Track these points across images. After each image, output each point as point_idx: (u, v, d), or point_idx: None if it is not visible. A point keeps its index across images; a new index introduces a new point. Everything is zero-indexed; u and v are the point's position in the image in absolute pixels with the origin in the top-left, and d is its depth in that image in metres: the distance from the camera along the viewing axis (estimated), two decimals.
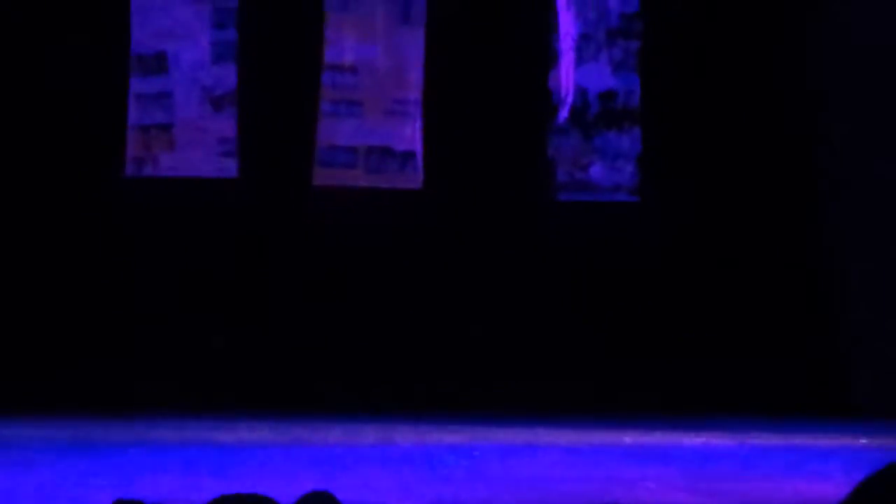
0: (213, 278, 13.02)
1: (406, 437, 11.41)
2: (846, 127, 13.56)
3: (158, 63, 13.48)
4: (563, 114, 14.22)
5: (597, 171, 14.20)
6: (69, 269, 12.91)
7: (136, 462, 9.80)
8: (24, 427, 11.33)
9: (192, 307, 12.78)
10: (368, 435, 11.42)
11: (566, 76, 14.27)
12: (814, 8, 13.69)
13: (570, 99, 14.25)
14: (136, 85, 13.42)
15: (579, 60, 14.17)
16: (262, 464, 9.71)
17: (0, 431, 10.98)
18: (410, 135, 13.85)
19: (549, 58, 14.13)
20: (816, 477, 8.82)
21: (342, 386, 12.82)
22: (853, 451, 10.19)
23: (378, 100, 13.89)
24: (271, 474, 8.96)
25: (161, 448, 10.48)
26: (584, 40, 14.22)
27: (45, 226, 12.82)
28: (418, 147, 13.84)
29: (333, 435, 11.41)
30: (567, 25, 14.19)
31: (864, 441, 10.83)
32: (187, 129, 13.54)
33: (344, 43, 13.84)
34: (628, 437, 11.42)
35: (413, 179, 13.85)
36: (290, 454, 10.36)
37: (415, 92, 13.85)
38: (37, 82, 12.88)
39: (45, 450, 10.21)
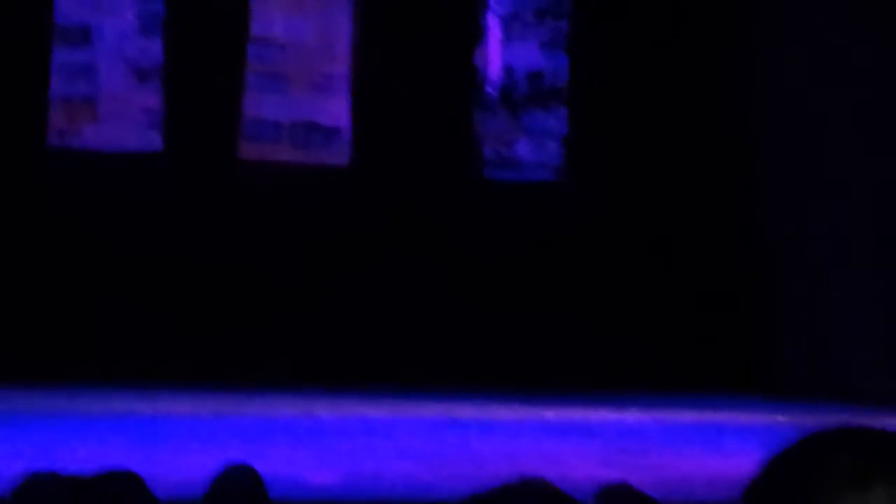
0: (137, 252, 12.89)
1: (326, 409, 11.43)
2: (776, 106, 13.72)
3: (83, 34, 13.44)
4: (491, 91, 14.29)
5: (524, 149, 14.34)
6: None
7: (55, 433, 9.73)
8: None
9: (115, 281, 12.71)
10: (289, 407, 11.43)
11: (494, 54, 14.32)
12: None
13: (497, 77, 14.32)
14: (60, 56, 13.33)
15: (507, 39, 14.30)
16: (181, 435, 9.72)
17: None
18: (337, 110, 13.87)
19: (478, 35, 14.16)
20: (733, 453, 8.94)
21: (264, 359, 12.86)
22: (770, 428, 10.30)
23: (304, 74, 13.91)
24: (192, 446, 8.93)
25: (81, 419, 10.39)
26: (512, 19, 14.24)
27: None
28: (345, 123, 13.86)
29: (254, 407, 11.42)
30: (495, 3, 14.23)
31: (780, 418, 10.95)
32: (111, 102, 13.53)
33: (271, 16, 13.87)
34: (550, 413, 11.50)
35: (339, 155, 13.87)
36: (211, 426, 10.35)
37: (342, 67, 13.87)
38: None
39: None
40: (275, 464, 5.97)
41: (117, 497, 3.82)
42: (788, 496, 1.55)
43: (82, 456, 8.00)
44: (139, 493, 3.83)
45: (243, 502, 4.31)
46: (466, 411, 11.54)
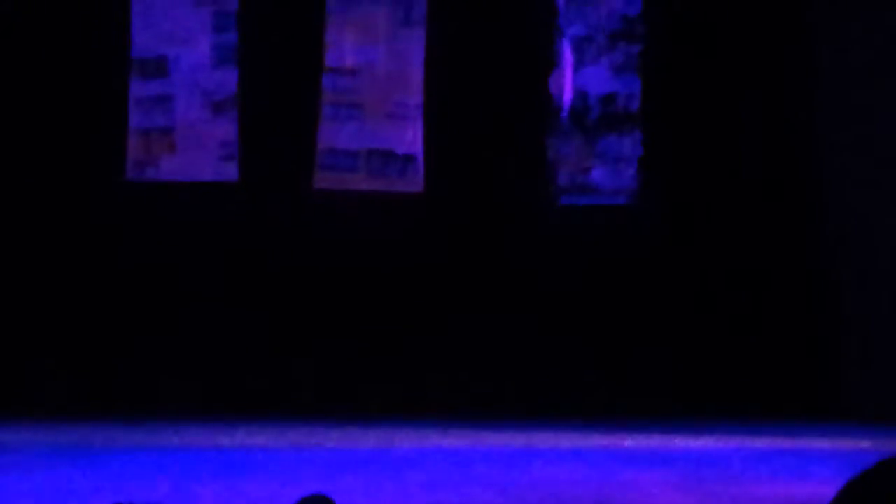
0: (214, 283, 13.06)
1: (405, 441, 11.62)
2: (844, 134, 13.76)
3: (159, 67, 13.60)
4: (564, 117, 14.33)
5: (599, 175, 14.28)
6: (71, 273, 12.98)
7: (136, 465, 9.95)
8: (24, 431, 11.57)
9: (194, 311, 12.92)
10: (369, 439, 11.63)
11: (566, 79, 14.36)
12: (815, 14, 13.84)
13: (570, 102, 14.36)
14: (137, 88, 13.58)
15: (580, 63, 14.29)
16: (260, 467, 9.93)
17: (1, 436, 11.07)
18: (412, 138, 13.98)
19: (551, 61, 14.23)
20: (813, 479, 8.98)
21: (342, 390, 13.00)
22: (847, 453, 10.35)
23: (379, 103, 14.01)
24: (270, 478, 9.10)
25: (161, 451, 10.63)
26: (584, 43, 14.27)
27: (47, 229, 13.03)
28: (419, 150, 13.98)
29: (332, 439, 11.64)
30: (567, 28, 14.28)
31: (863, 444, 10.95)
32: (188, 133, 13.72)
33: (344, 45, 13.96)
34: (628, 441, 11.65)
35: (414, 183, 13.98)
36: (289, 458, 10.53)
37: (416, 95, 13.98)
38: (38, 85, 13.08)
39: (45, 454, 10.38)
40: (353, 496, 6.13)
41: None
42: None
43: (164, 489, 8.23)
44: None
45: None
46: (545, 440, 11.72)
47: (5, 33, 12.95)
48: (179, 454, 10.56)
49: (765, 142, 13.86)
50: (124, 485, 8.82)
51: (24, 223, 12.85)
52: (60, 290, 12.95)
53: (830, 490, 1.71)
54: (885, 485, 1.57)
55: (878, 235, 13.06)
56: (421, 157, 13.95)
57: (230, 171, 13.69)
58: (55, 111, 13.07)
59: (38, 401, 12.43)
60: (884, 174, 13.28)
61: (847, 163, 13.77)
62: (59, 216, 13.03)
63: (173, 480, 9.10)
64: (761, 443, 11.65)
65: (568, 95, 14.20)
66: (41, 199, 12.98)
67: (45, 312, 12.86)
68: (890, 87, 13.29)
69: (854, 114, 13.58)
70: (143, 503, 3.97)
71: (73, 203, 13.02)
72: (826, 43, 13.87)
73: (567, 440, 11.73)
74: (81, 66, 13.14)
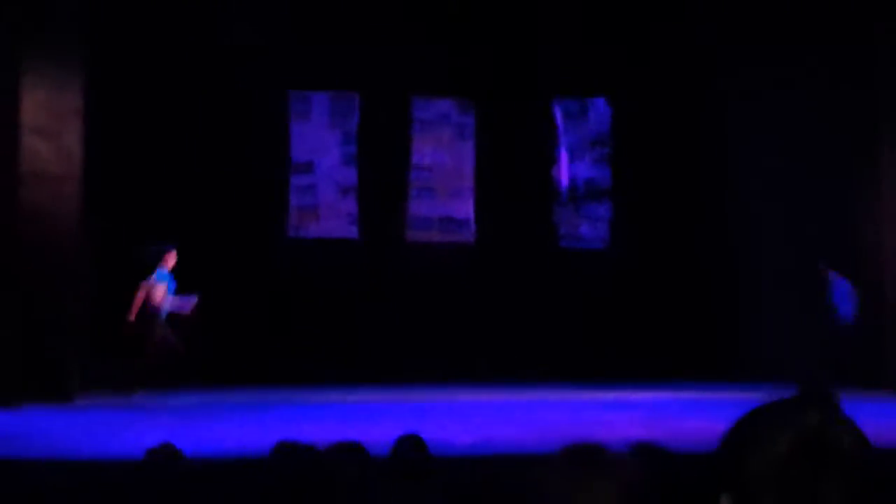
0: (345, 304, 13.96)
1: (466, 396, 11.45)
2: (746, 187, 14.37)
3: (308, 167, 14.54)
4: (562, 193, 14.75)
5: (585, 229, 15.17)
6: (258, 287, 13.45)
7: (291, 415, 9.39)
8: (228, 393, 11.72)
9: (333, 323, 13.68)
10: (443, 396, 11.54)
11: (563, 169, 15.23)
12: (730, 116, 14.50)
13: (566, 183, 14.72)
14: (295, 180, 14.52)
15: (572, 159, 15.22)
16: (369, 417, 9.30)
17: (208, 397, 11.26)
18: (466, 209, 14.87)
19: (553, 158, 15.20)
20: (720, 418, 7.75)
21: (422, 363, 13.47)
22: (743, 400, 9.84)
23: (445, 186, 14.88)
24: (375, 425, 8.33)
25: (313, 407, 10.22)
26: (575, 147, 15.07)
27: (237, 274, 13.38)
28: (471, 216, 14.81)
29: (416, 395, 11.48)
30: (563, 136, 14.65)
31: (750, 394, 10.60)
32: (327, 208, 14.50)
33: (424, 151, 14.96)
34: (607, 394, 12.00)
35: (468, 237, 14.85)
36: (391, 409, 9.90)
37: (468, 181, 14.99)
38: (239, 178, 13.82)
39: (232, 409, 9.97)
40: (432, 433, 5.09)
41: (344, 462, 3.64)
42: (740, 436, 1.44)
43: (305, 433, 7.16)
44: (361, 457, 3.69)
45: (414, 459, 4.10)
46: (548, 395, 11.83)
47: (218, 150, 13.80)
48: (320, 408, 10.06)
49: (686, 204, 15.16)
50: (282, 429, 7.74)
51: (228, 263, 13.40)
52: (255, 303, 13.55)
53: (722, 426, 1.56)
54: (758, 422, 1.41)
55: (766, 257, 13.37)
56: (472, 221, 14.94)
57: (353, 232, 14.63)
58: (249, 194, 14.02)
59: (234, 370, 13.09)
60: (770, 213, 13.94)
61: (745, 208, 14.46)
62: (249, 258, 13.74)
63: (311, 426, 8.26)
64: (690, 394, 12.19)
65: (565, 180, 15.03)
66: (236, 253, 13.69)
67: (233, 338, 13.25)
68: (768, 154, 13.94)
69: (757, 183, 14.33)
70: (303, 442, 3.80)
71: (259, 251, 13.91)
72: (734, 128, 14.72)
73: (570, 395, 12.16)
74: (264, 166, 14.27)
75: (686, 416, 9.44)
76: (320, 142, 14.19)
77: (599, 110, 14.66)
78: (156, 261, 10.99)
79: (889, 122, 11.87)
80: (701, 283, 14.54)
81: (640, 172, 14.87)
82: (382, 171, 14.40)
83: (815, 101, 12.89)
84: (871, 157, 12.06)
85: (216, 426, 8.42)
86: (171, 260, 11.14)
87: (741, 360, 14.01)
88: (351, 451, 3.65)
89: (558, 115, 14.55)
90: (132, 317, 10.70)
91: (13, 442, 7.46)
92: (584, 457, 2.08)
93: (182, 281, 11.42)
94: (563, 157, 14.82)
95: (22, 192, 10.23)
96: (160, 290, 10.91)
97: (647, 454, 3.70)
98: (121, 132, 12.56)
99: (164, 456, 4.02)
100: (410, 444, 4.15)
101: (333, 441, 3.68)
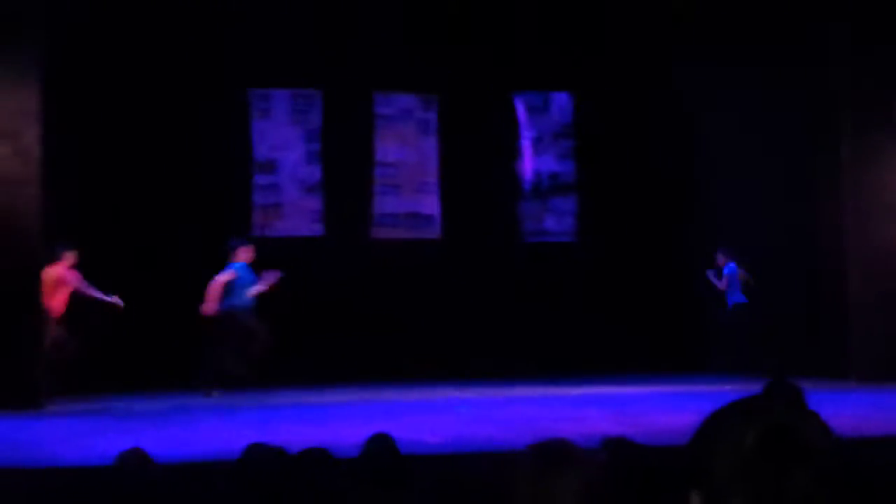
0: (311, 302, 13.65)
1: (435, 394, 11.55)
2: (712, 190, 14.27)
3: (271, 165, 14.53)
4: (527, 187, 14.77)
5: (550, 223, 15.20)
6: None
7: (264, 417, 9.26)
8: (194, 398, 11.47)
9: (299, 321, 13.37)
10: (413, 394, 11.60)
11: (528, 163, 15.26)
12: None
13: (530, 178, 14.77)
14: (258, 179, 14.45)
15: (535, 153, 15.28)
16: (338, 417, 9.29)
17: (178, 401, 11.04)
18: (431, 204, 14.90)
19: (517, 152, 15.27)
20: (688, 410, 8.05)
21: (400, 361, 13.50)
22: (714, 393, 9.84)
23: (410, 182, 14.90)
24: (349, 424, 8.26)
25: (286, 409, 10.23)
26: (538, 141, 14.93)
27: (201, 274, 12.45)
28: (437, 212, 14.88)
29: (388, 394, 11.59)
30: (527, 130, 14.67)
31: (720, 387, 11.00)
32: (291, 206, 14.50)
33: (387, 147, 14.96)
34: (577, 390, 12.00)
35: (434, 233, 14.90)
36: (360, 409, 9.85)
37: (433, 177, 15.02)
38: (200, 178, 13.68)
39: (208, 412, 9.84)
40: (402, 432, 4.96)
41: (313, 462, 3.66)
42: (708, 432, 1.46)
43: (281, 435, 7.22)
44: (328, 460, 3.69)
45: (384, 459, 4.07)
46: (523, 391, 11.90)
47: (180, 150, 13.69)
48: (289, 409, 10.07)
49: (652, 196, 14.92)
50: (256, 431, 7.81)
51: (191, 264, 12.92)
52: None
53: (699, 418, 1.50)
54: (725, 417, 1.44)
55: (731, 247, 13.69)
56: (438, 217, 14.98)
57: (318, 229, 14.64)
58: (212, 193, 13.87)
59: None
60: (734, 202, 14.02)
61: (710, 199, 14.59)
62: (213, 258, 13.40)
63: (286, 427, 8.27)
64: (661, 388, 12.06)
65: (529, 174, 14.89)
66: (205, 248, 13.05)
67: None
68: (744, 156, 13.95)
69: (720, 175, 14.02)
70: (273, 444, 3.78)
71: (223, 251, 13.22)
72: (696, 119, 14.90)
73: (533, 390, 12.14)
74: (227, 166, 14.16)
75: (657, 409, 9.31)
76: (283, 140, 14.13)
77: (562, 104, 14.72)
78: (231, 253, 11.48)
79: (846, 111, 11.72)
80: (669, 276, 14.54)
81: (604, 165, 14.92)
82: (346, 167, 14.36)
83: (775, 91, 12.78)
84: (831, 147, 11.88)
85: (186, 430, 8.27)
86: (244, 254, 11.69)
87: (711, 352, 13.94)
88: (318, 456, 3.63)
89: (521, 109, 14.61)
90: (209, 310, 11.13)
91: None
92: (551, 452, 2.09)
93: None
94: (527, 151, 14.88)
95: None
96: (220, 281, 11.20)
97: (618, 448, 3.68)
98: (79, 132, 12.25)
99: (134, 461, 3.97)
100: (380, 444, 4.10)
101: (304, 443, 3.71)
